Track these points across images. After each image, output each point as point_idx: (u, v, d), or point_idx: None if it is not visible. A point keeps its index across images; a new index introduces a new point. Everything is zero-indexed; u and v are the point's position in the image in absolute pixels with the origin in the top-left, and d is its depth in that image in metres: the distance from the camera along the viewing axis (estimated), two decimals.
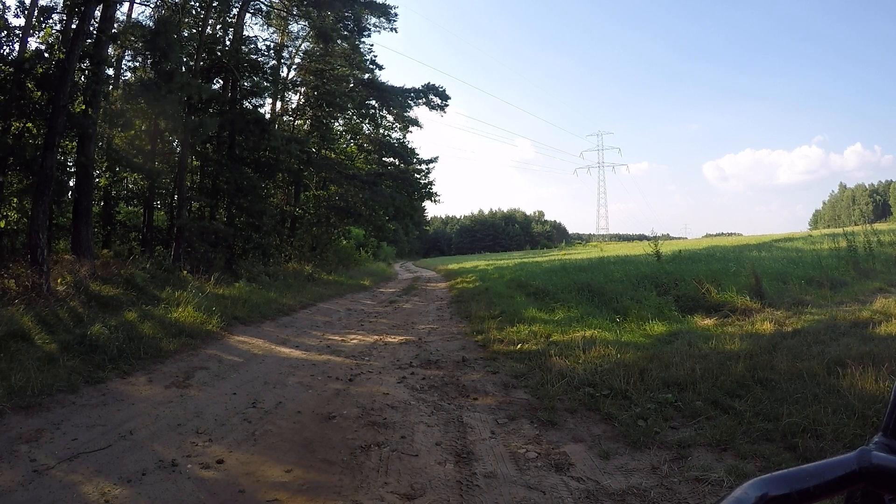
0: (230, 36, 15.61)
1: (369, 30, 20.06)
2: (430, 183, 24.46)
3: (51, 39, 10.39)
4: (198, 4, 14.41)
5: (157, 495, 2.86)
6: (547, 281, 12.02)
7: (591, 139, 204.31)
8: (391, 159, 24.10)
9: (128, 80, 13.65)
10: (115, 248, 12.73)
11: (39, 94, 9.98)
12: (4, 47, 9.72)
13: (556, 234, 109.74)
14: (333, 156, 22.47)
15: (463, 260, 44.16)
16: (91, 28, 10.07)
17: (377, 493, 2.90)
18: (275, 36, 19.47)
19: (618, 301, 8.66)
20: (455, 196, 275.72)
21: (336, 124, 23.14)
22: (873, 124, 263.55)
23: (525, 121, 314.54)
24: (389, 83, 21.31)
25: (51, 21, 10.40)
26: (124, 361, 5.48)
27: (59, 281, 8.14)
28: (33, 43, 10.29)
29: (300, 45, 20.36)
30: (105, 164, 12.47)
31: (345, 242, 25.55)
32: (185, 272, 11.70)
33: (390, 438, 3.71)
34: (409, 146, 23.79)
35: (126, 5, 12.93)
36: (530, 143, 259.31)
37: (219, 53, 14.79)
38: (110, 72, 12.53)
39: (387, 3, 19.35)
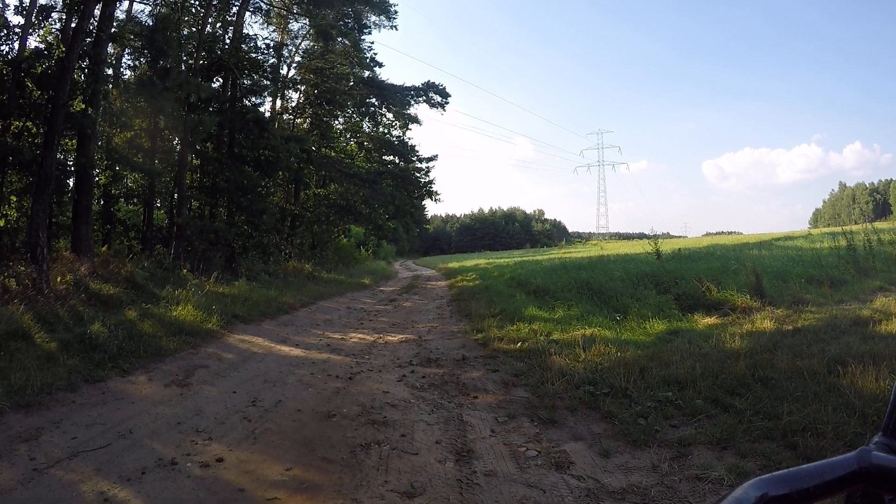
0: (230, 34, 15.59)
1: (369, 28, 20.06)
2: (431, 181, 24.50)
3: (50, 38, 10.38)
4: (197, 3, 14.39)
5: (156, 494, 2.86)
6: (547, 279, 12.01)
7: (591, 137, 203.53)
8: (391, 157, 24.10)
9: (127, 79, 13.64)
10: (114, 247, 12.71)
11: (39, 93, 9.97)
12: (4, 46, 9.71)
13: (556, 233, 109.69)
14: (333, 154, 22.46)
15: (463, 258, 44.14)
16: (91, 27, 10.06)
17: (377, 491, 2.90)
18: (275, 34, 19.47)
19: (618, 299, 8.65)
20: (455, 195, 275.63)
21: (336, 122, 23.13)
22: (872, 123, 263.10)
23: (524, 119, 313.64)
24: (389, 81, 21.30)
25: (50, 20, 10.40)
26: (124, 360, 5.48)
27: (58, 279, 8.13)
28: (33, 42, 10.29)
29: (300, 44, 20.36)
30: (105, 162, 12.46)
31: (345, 241, 25.57)
32: (185, 271, 11.71)
33: (390, 437, 3.71)
34: (410, 144, 23.80)
35: (126, 3, 12.94)
36: (529, 141, 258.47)
37: (218, 52, 14.77)
38: (110, 71, 12.52)
39: (387, 0, 19.33)
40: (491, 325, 7.72)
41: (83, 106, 10.25)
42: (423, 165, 24.29)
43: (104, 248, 11.93)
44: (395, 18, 19.88)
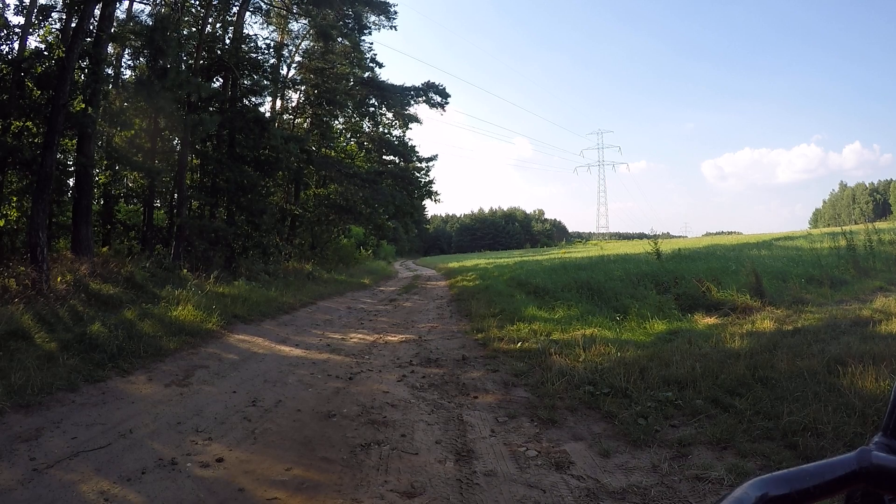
0: (230, 34, 15.59)
1: (369, 28, 20.03)
2: (430, 181, 24.54)
3: (50, 38, 10.39)
4: (197, 3, 14.40)
5: (156, 494, 2.86)
6: (547, 279, 12.01)
7: (591, 137, 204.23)
8: (391, 157, 24.11)
9: (127, 78, 13.64)
10: (114, 247, 12.72)
11: (39, 93, 9.98)
12: (4, 46, 9.72)
13: (556, 233, 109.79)
14: (333, 154, 22.47)
15: (463, 258, 44.16)
16: (90, 27, 10.06)
17: (377, 491, 2.90)
18: (275, 34, 19.46)
19: (618, 299, 8.66)
20: (455, 195, 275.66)
21: (336, 122, 23.14)
22: (872, 123, 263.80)
23: (524, 119, 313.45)
24: (389, 81, 21.33)
25: (50, 20, 10.41)
26: (124, 360, 5.48)
27: (58, 279, 8.13)
28: (33, 42, 10.31)
29: (300, 44, 20.34)
30: (105, 162, 12.46)
31: (345, 241, 25.57)
32: (185, 271, 11.70)
33: (390, 437, 3.71)
34: (410, 144, 23.84)
35: (126, 3, 12.95)
36: (529, 141, 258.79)
37: (218, 52, 14.77)
38: (109, 70, 12.52)
39: (387, 0, 19.33)
40: (491, 325, 7.73)
41: (83, 106, 10.25)
42: (423, 165, 24.33)
43: (104, 248, 11.93)
44: (394, 19, 19.89)
